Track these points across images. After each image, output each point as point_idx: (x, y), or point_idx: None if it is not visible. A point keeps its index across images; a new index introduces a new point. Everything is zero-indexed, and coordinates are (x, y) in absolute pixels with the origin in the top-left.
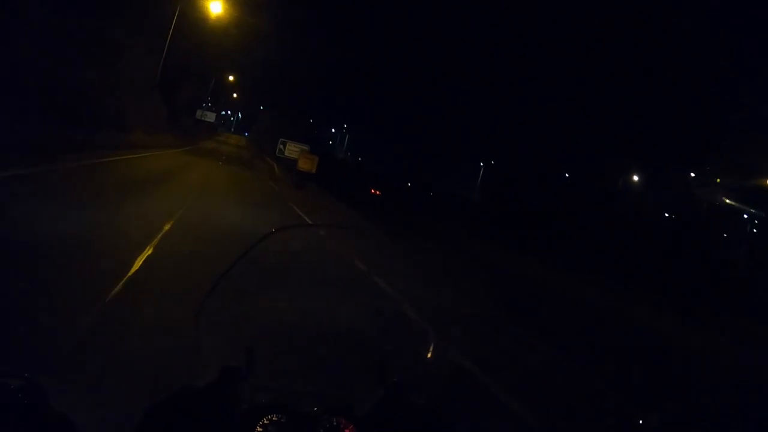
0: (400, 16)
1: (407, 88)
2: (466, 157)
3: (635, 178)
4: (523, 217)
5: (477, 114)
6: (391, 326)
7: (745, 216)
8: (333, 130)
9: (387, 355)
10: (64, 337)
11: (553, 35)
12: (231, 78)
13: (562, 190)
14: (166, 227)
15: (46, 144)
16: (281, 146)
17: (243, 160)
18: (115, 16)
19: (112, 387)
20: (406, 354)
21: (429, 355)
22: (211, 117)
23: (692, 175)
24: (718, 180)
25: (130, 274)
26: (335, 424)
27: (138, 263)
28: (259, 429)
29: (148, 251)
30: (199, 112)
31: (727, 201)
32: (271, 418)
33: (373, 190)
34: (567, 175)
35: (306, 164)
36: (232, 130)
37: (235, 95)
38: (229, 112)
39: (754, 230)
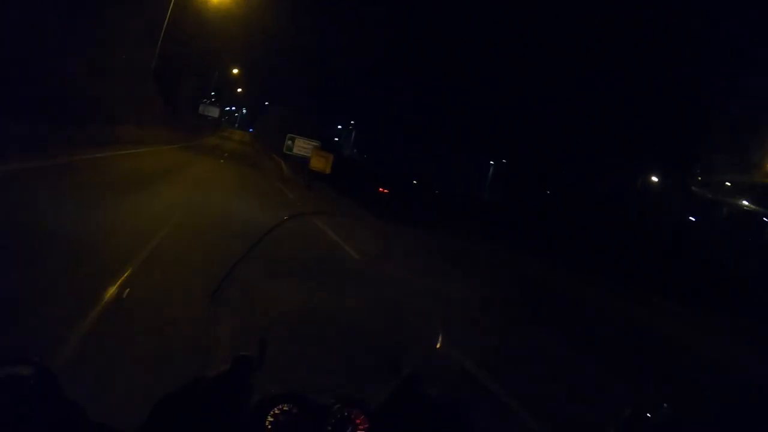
0: (409, 10)
1: (415, 85)
2: (476, 156)
3: (654, 178)
4: (544, 218)
5: (487, 111)
6: (401, 317)
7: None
8: (339, 127)
9: (398, 347)
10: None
11: (553, 35)
12: (235, 71)
13: (580, 191)
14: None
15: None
16: (289, 142)
17: (247, 157)
18: None
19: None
20: (416, 345)
21: (438, 346)
22: (214, 112)
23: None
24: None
25: None
26: (347, 415)
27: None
28: (270, 419)
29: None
30: (201, 107)
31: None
32: (282, 408)
33: (381, 189)
34: (581, 175)
35: (319, 163)
36: (237, 126)
37: (239, 90)
38: (233, 108)
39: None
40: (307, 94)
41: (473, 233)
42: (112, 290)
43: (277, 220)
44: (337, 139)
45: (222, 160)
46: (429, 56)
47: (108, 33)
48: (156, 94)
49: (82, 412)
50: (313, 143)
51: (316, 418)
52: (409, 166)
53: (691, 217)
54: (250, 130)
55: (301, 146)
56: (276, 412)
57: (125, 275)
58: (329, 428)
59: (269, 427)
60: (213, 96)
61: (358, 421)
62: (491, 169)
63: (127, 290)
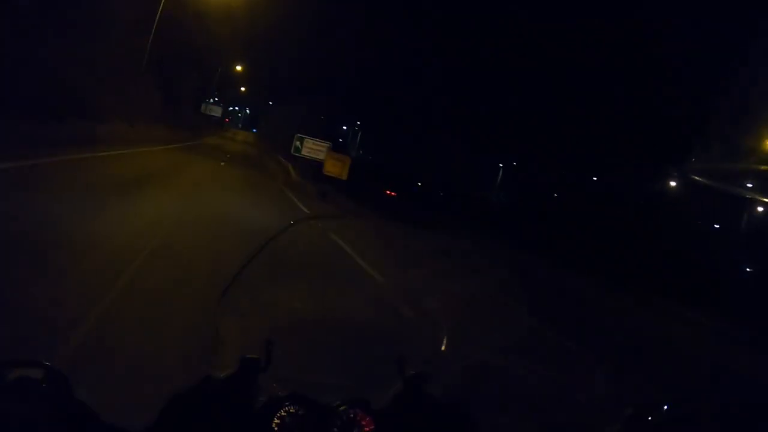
0: (416, 11)
1: (421, 85)
2: (484, 157)
3: (672, 183)
4: (562, 221)
5: (495, 112)
6: (407, 318)
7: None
8: (345, 128)
9: (403, 348)
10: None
11: (554, 35)
12: (238, 68)
13: (596, 194)
14: None
15: None
16: (298, 143)
17: (251, 159)
18: None
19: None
20: (422, 346)
21: (443, 348)
22: (216, 111)
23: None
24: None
25: None
26: (353, 416)
27: None
28: (277, 420)
29: None
30: (204, 106)
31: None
32: (289, 409)
33: (388, 191)
34: (594, 177)
35: (335, 168)
36: (240, 126)
37: (242, 89)
38: (236, 107)
39: None
40: (313, 94)
41: (485, 237)
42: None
43: (290, 253)
44: (341, 140)
45: (222, 163)
46: (437, 55)
47: (89, 16)
48: (154, 92)
49: (93, 413)
50: (324, 144)
51: (322, 418)
52: (416, 168)
53: (715, 225)
54: (254, 130)
55: (311, 147)
56: (282, 413)
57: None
58: (335, 429)
59: (276, 428)
60: (216, 95)
61: (363, 422)
62: (500, 172)
63: None
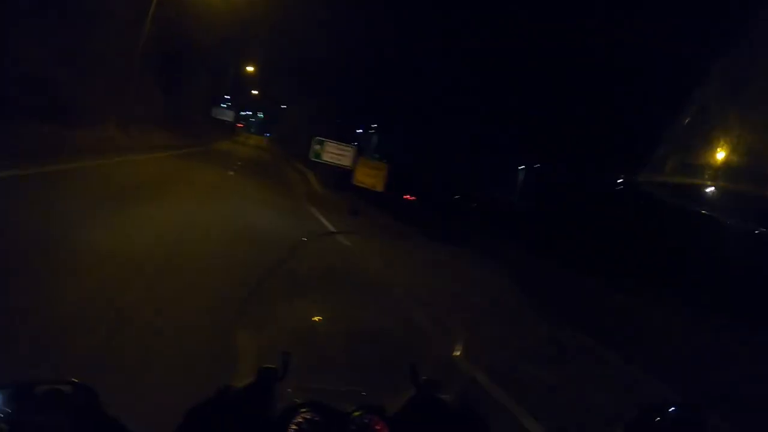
0: (434, 8)
1: (438, 86)
2: (504, 160)
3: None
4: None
5: (516, 112)
6: (420, 326)
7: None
8: (360, 131)
9: (417, 355)
10: None
11: (556, 35)
12: (250, 69)
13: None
14: None
15: None
16: (317, 146)
17: (264, 166)
18: None
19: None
20: (434, 353)
21: (457, 354)
22: (229, 116)
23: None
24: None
25: None
26: (367, 422)
27: None
28: (293, 427)
29: None
30: (215, 110)
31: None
32: (305, 416)
33: (407, 196)
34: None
35: (368, 178)
36: (252, 130)
37: (254, 92)
38: (249, 112)
39: None
40: (327, 95)
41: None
42: None
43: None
44: (356, 143)
45: (231, 172)
46: (454, 55)
47: (80, 12)
48: (158, 95)
49: (120, 425)
50: (349, 149)
51: (338, 425)
52: (434, 170)
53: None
54: (267, 134)
55: (333, 152)
56: (299, 420)
57: None
58: None
59: None
60: (228, 100)
61: (377, 428)
62: (522, 174)
63: None
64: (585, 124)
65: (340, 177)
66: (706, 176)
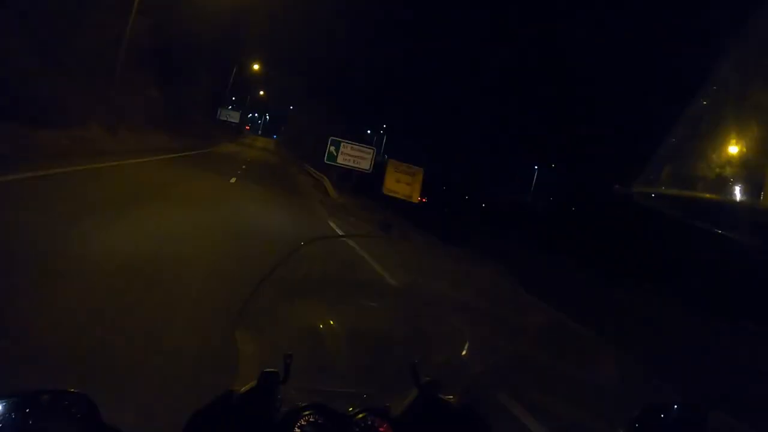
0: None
1: (448, 86)
2: (517, 160)
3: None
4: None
5: (533, 110)
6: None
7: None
8: (369, 132)
9: (420, 356)
10: None
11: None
12: (256, 67)
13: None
14: None
15: None
16: (332, 148)
17: (272, 169)
18: None
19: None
20: (439, 353)
21: (464, 353)
22: (235, 117)
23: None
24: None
25: None
26: (371, 423)
27: None
28: (297, 430)
29: None
30: (221, 112)
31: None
32: (309, 418)
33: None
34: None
35: (401, 186)
36: (260, 132)
37: (261, 93)
38: (255, 113)
39: None
40: (335, 96)
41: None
42: None
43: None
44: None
45: (234, 179)
46: (465, 55)
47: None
48: (156, 93)
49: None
50: (368, 150)
51: (342, 426)
52: (446, 171)
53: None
54: (275, 136)
55: (350, 154)
56: (303, 422)
57: None
58: None
59: None
60: (234, 101)
61: (381, 429)
62: (536, 174)
63: None
64: (592, 129)
65: (357, 181)
66: (700, 187)
